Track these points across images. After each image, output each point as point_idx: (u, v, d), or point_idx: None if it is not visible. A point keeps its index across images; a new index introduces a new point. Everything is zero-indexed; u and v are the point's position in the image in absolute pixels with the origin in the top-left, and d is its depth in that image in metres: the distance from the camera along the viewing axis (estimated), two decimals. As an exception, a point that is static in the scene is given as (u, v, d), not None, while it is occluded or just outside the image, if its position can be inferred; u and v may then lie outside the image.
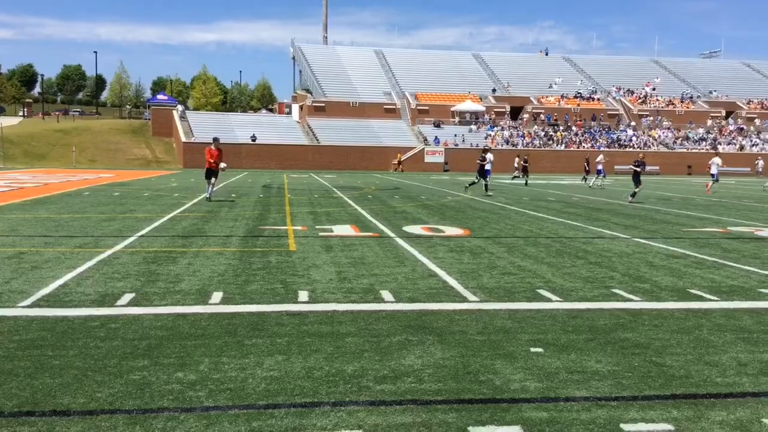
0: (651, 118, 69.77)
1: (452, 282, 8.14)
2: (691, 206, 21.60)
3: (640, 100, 73.15)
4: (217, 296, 7.13)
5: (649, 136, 66.49)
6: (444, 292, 7.60)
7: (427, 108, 66.72)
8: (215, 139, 21.26)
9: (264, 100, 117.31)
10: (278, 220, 14.96)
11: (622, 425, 3.97)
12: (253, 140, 57.74)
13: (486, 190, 26.25)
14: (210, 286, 7.67)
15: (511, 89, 73.34)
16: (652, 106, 72.20)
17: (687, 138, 66.49)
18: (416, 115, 65.96)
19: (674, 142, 65.53)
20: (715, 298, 7.54)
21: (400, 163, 56.68)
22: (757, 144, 65.95)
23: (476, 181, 27.17)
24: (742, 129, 69.27)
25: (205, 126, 60.24)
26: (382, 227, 13.88)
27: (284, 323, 6.10)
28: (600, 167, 33.98)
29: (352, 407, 4.17)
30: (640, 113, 70.42)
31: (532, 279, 8.48)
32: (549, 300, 7.30)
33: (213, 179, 20.09)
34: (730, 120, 71.72)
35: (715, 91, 77.29)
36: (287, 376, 4.71)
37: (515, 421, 3.99)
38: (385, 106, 66.72)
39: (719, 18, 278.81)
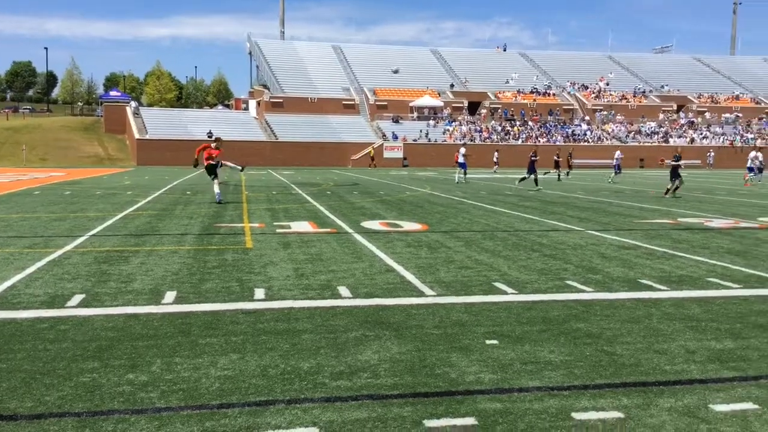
0: (605, 113, 71.01)
1: (409, 277, 8.17)
2: (641, 198, 22.07)
3: (594, 95, 74.39)
4: (170, 296, 7.03)
5: (603, 130, 67.69)
6: (401, 287, 7.62)
7: (385, 103, 66.77)
8: (217, 139, 19.58)
9: (220, 96, 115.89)
10: (235, 218, 14.80)
11: (573, 414, 4.03)
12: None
13: (460, 181, 26.98)
14: (163, 285, 7.55)
15: (469, 85, 73.88)
16: (605, 100, 73.49)
17: (639, 132, 67.88)
18: (375, 110, 65.97)
19: (627, 136, 66.83)
20: (665, 287, 7.72)
21: (373, 158, 56.70)
22: (707, 137, 67.69)
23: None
24: (692, 123, 71.01)
25: (159, 122, 59.25)
26: (340, 223, 13.85)
27: (239, 321, 6.04)
28: (616, 162, 34.23)
29: (308, 404, 4.15)
30: (594, 108, 71.61)
31: (488, 272, 8.56)
32: (504, 293, 7.38)
33: (215, 178, 18.72)
34: (681, 114, 73.46)
35: (666, 85, 79.03)
36: (242, 374, 4.66)
37: (470, 413, 4.03)
38: (343, 102, 66.55)
39: (672, 13, 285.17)
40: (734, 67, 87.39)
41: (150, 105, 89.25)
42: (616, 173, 34.30)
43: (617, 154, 34.84)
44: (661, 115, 72.37)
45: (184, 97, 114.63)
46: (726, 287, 7.77)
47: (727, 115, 73.01)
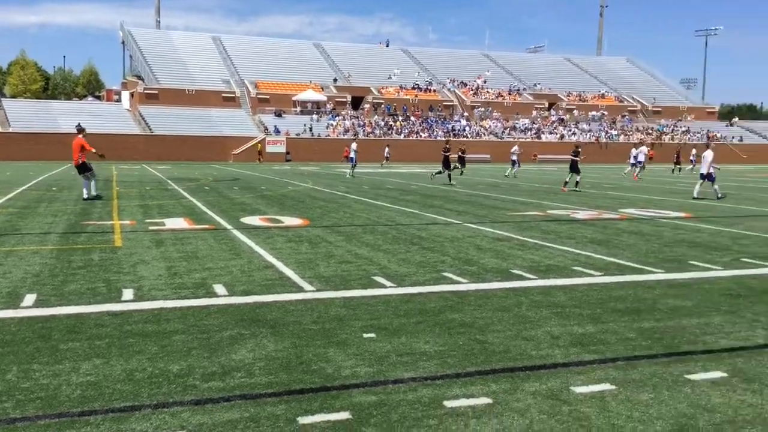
0: (482, 109, 73.49)
1: (289, 272, 8.08)
2: (516, 191, 23.02)
3: (472, 92, 76.78)
4: (30, 299, 6.57)
5: (481, 126, 70.02)
6: (280, 283, 7.52)
7: (267, 97, 65.77)
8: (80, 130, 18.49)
9: (90, 87, 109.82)
10: (104, 215, 14.08)
11: (445, 402, 4.13)
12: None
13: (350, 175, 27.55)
14: (22, 288, 7.05)
15: (352, 79, 74.16)
16: (483, 97, 76.04)
17: (514, 128, 70.76)
18: (256, 104, 64.83)
19: (503, 132, 69.49)
20: (534, 277, 8.07)
21: (261, 153, 55.57)
22: (576, 133, 71.55)
23: (442, 172, 27.84)
24: (562, 120, 74.84)
25: (23, 115, 55.36)
26: (218, 219, 13.51)
27: (105, 324, 5.74)
28: (515, 157, 34.56)
29: (176, 408, 4.00)
30: (472, 104, 73.91)
31: (368, 266, 8.61)
32: (383, 286, 7.45)
33: (89, 174, 17.54)
34: (552, 111, 77.24)
35: (539, 84, 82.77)
36: (105, 380, 4.43)
37: (345, 407, 4.03)
38: (223, 95, 64.92)
39: (544, 15, 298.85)
40: (600, 67, 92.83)
41: (13, 96, 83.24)
42: (513, 167, 34.89)
43: (515, 149, 35.57)
44: (534, 112, 75.76)
45: (51, 88, 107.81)
46: (589, 275, 8.23)
47: (594, 112, 77.51)
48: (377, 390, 4.33)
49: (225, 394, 4.22)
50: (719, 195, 20.59)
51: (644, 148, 36.04)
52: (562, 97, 79.88)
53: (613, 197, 21.12)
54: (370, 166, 47.05)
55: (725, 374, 4.66)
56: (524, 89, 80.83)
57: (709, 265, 8.93)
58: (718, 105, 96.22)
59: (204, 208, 15.70)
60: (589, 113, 77.16)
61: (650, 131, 74.03)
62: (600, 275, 8.22)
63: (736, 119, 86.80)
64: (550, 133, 70.42)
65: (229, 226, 12.38)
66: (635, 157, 35.24)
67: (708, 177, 20.60)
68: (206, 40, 77.33)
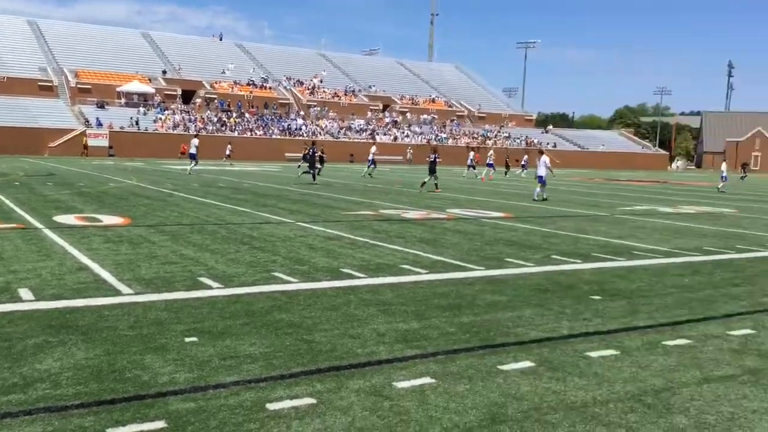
0: (318, 109, 73.82)
1: (105, 275, 7.58)
2: (349, 191, 23.35)
3: (308, 91, 76.89)
4: None
5: (317, 125, 70.30)
6: (95, 286, 7.04)
7: (89, 87, 61.64)
8: None
9: None
10: None
11: (267, 405, 4.05)
12: None
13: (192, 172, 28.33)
14: None
15: (183, 72, 71.45)
16: (319, 97, 76.41)
17: (350, 128, 71.79)
18: (76, 94, 60.53)
19: (339, 132, 70.25)
20: (364, 275, 8.20)
21: (86, 147, 51.63)
22: (409, 135, 73.97)
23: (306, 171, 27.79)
24: (396, 122, 77.07)
25: None
26: (28, 218, 12.41)
27: None
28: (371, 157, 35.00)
29: (-35, 427, 3.59)
30: (308, 103, 74.03)
31: (194, 267, 8.31)
32: (210, 287, 7.22)
33: None
34: (387, 113, 79.32)
35: (374, 86, 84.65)
36: None
37: (160, 416, 3.83)
38: (39, 83, 59.99)
39: (379, 19, 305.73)
40: (431, 72, 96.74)
41: None
42: (369, 166, 35.35)
43: (373, 149, 36.49)
44: (369, 114, 77.37)
45: None
46: (416, 273, 8.50)
47: (425, 116, 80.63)
48: (197, 396, 4.16)
49: (26, 408, 3.86)
50: (542, 197, 22.11)
51: (472, 153, 39.26)
52: (396, 100, 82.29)
53: (441, 197, 22.04)
54: (211, 163, 45.60)
55: (533, 364, 4.99)
56: (360, 90, 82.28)
57: (523, 262, 9.57)
58: (536, 113, 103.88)
59: (12, 206, 14.36)
60: (421, 116, 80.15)
61: (476, 136, 78.23)
62: (426, 273, 8.51)
63: (551, 127, 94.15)
64: (385, 134, 72.21)
65: (40, 225, 11.42)
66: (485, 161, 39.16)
67: (540, 180, 22.17)
68: (20, 23, 71.08)
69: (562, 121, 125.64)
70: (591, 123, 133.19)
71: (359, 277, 8.05)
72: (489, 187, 29.67)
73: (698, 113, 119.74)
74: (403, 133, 74.16)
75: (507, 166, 46.36)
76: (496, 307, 6.79)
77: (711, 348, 5.60)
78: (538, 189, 22.19)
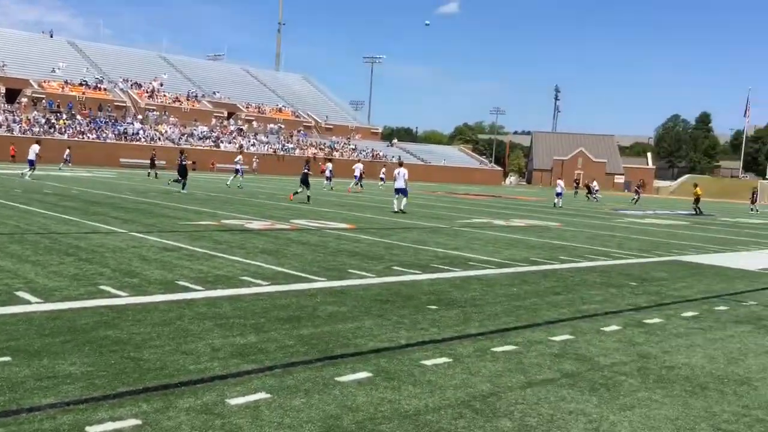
0: (158, 113, 70.82)
1: None
2: (189, 200, 22.54)
3: (147, 94, 73.56)
4: None
5: (156, 130, 67.40)
6: None
7: None
8: None
9: None
10: None
11: (87, 428, 3.76)
12: None
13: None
14: None
15: (7, 69, 65.76)
16: (159, 101, 73.34)
17: (192, 135, 69.50)
18: None
19: (180, 139, 67.78)
20: (201, 288, 7.91)
21: None
22: (255, 144, 72.89)
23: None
24: (241, 130, 75.68)
25: None
26: None
27: None
28: (239, 167, 34.26)
29: None
30: (147, 107, 70.82)
31: (11, 280, 7.61)
32: (28, 302, 6.63)
33: None
34: (232, 121, 77.69)
35: (218, 92, 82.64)
36: None
37: (-41, 448, 3.43)
38: None
39: (225, 24, 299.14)
40: (278, 81, 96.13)
41: None
42: (236, 175, 34.40)
43: (239, 158, 35.42)
44: (213, 120, 75.40)
45: None
46: (256, 284, 8.33)
47: (272, 125, 79.89)
48: (8, 421, 3.78)
49: None
50: (401, 209, 22.62)
51: (360, 165, 41.19)
52: (242, 108, 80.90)
53: (286, 208, 21.87)
54: (50, 168, 42.21)
55: (370, 374, 5.04)
56: (203, 96, 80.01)
57: (364, 273, 9.69)
58: (382, 127, 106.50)
59: None
60: (268, 125, 79.34)
61: (323, 147, 78.67)
62: (267, 285, 8.37)
63: (396, 141, 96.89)
64: (229, 142, 70.66)
65: None
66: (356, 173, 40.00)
67: (402, 191, 22.72)
68: None
69: (406, 135, 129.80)
70: (433, 138, 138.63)
71: (196, 290, 7.76)
72: (334, 198, 29.90)
73: (529, 133, 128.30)
74: (250, 141, 72.97)
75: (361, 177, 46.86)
76: (337, 318, 6.81)
77: (534, 353, 5.95)
78: (396, 201, 22.77)
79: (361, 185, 40.32)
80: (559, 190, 37.39)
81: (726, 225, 27.88)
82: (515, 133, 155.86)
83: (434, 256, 12.10)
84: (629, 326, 7.29)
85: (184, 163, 27.41)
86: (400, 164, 24.24)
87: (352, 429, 4.00)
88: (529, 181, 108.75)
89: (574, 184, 58.74)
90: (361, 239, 14.13)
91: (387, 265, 10.66)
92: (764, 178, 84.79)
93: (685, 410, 4.73)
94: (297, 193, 25.87)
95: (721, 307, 8.78)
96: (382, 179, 47.36)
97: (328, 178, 39.00)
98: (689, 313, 8.23)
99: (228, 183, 34.28)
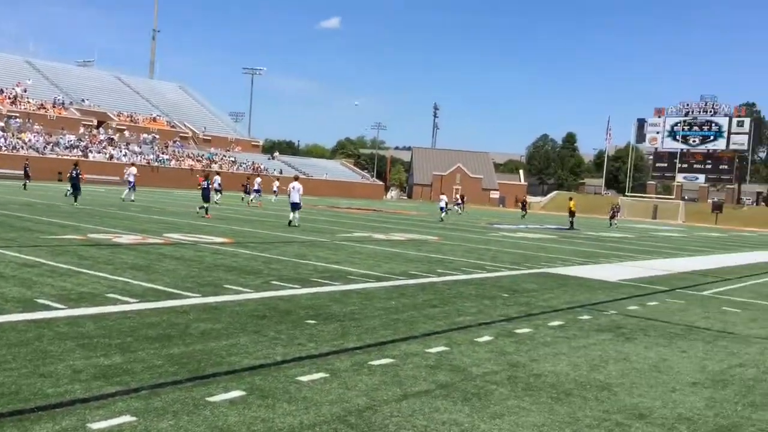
0: (21, 121, 66.35)
1: None
2: (54, 213, 21.23)
3: (9, 101, 68.80)
4: None
5: (19, 138, 63.09)
6: None
7: None
8: None
9: None
10: None
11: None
12: None
13: None
14: None
15: None
16: (22, 107, 68.78)
17: (58, 144, 65.63)
18: None
19: (45, 148, 63.82)
20: (63, 306, 7.43)
21: None
22: (127, 154, 69.80)
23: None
24: (112, 139, 72.25)
25: None
26: None
27: None
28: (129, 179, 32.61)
29: None
30: (9, 114, 66.19)
31: None
32: None
33: None
34: (102, 130, 74.02)
35: (87, 99, 78.59)
36: None
37: None
38: None
39: (94, 29, 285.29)
40: (152, 90, 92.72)
41: None
42: (129, 190, 32.55)
43: (132, 170, 33.34)
44: (82, 129, 71.55)
45: None
46: (124, 302, 7.92)
47: (146, 135, 76.82)
48: None
49: None
50: (297, 224, 22.51)
51: (258, 179, 41.97)
52: (113, 116, 77.36)
53: (158, 221, 21.05)
54: None
55: (244, 392, 4.90)
56: (71, 103, 75.84)
57: (241, 288, 9.47)
58: (263, 139, 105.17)
59: None
60: (141, 135, 76.24)
61: (200, 158, 76.57)
62: (136, 302, 7.98)
63: (277, 153, 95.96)
64: (99, 152, 67.29)
65: None
66: (255, 187, 40.28)
67: (296, 206, 22.60)
68: None
69: (288, 148, 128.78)
70: (316, 152, 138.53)
71: (57, 308, 7.27)
72: (216, 212, 29.12)
73: (409, 148, 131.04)
74: (121, 151, 69.81)
75: (246, 191, 45.54)
76: (210, 335, 6.59)
77: (410, 365, 6.02)
78: (292, 215, 22.52)
79: (251, 199, 39.73)
80: (442, 204, 38.41)
81: (590, 239, 29.64)
82: (396, 148, 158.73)
83: (314, 270, 12.03)
84: (501, 336, 7.55)
85: (76, 174, 26.96)
86: (296, 178, 24.26)
87: (223, 450, 3.86)
88: (410, 196, 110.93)
89: (458, 199, 60.43)
90: (240, 253, 13.82)
91: (265, 279, 10.48)
92: (624, 195, 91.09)
93: (551, 416, 4.93)
94: (204, 208, 24.87)
95: (585, 317, 9.29)
96: (275, 192, 46.72)
97: (217, 191, 38.05)
98: (556, 323, 8.65)
99: (122, 197, 32.77)
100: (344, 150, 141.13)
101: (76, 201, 26.34)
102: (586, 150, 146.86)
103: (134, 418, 4.24)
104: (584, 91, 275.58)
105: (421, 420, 4.62)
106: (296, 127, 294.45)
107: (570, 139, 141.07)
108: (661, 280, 14.54)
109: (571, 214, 39.04)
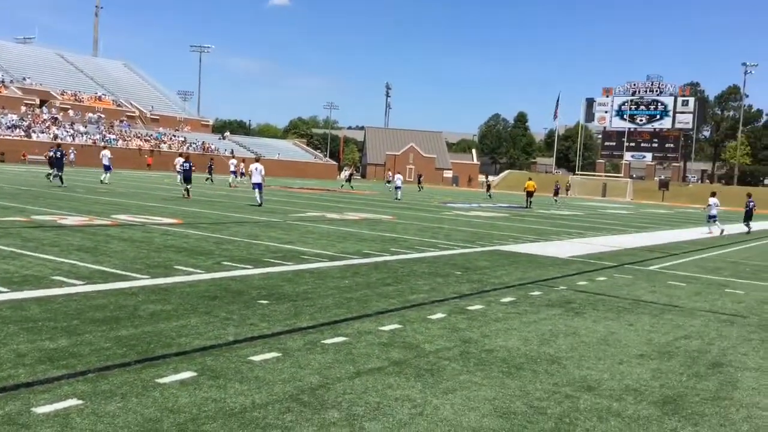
0: (-41, 99, 63.82)
1: None
2: (-2, 194, 20.53)
3: (-55, 78, 66.00)
4: None
5: (-43, 118, 60.72)
6: None
7: None
8: None
9: None
10: None
11: None
12: None
13: None
14: None
15: None
16: (-40, 85, 66.08)
17: (0, 124, 63.38)
18: None
19: (-14, 127, 61.56)
20: (5, 289, 7.20)
21: None
22: (73, 134, 67.86)
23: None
24: (56, 119, 70.11)
25: None
26: None
27: None
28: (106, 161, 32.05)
29: None
30: (-55, 92, 63.57)
31: None
32: None
33: None
34: (45, 109, 71.74)
35: (29, 78, 75.97)
36: None
37: None
38: None
39: (36, 4, 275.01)
40: (97, 68, 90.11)
41: None
42: (106, 172, 31.99)
43: (105, 152, 32.50)
44: (24, 108, 69.23)
45: None
46: (70, 284, 7.72)
47: (91, 114, 74.75)
48: None
49: None
50: (260, 201, 23.21)
51: (234, 161, 42.26)
52: (56, 95, 75.05)
53: (106, 203, 20.56)
54: None
55: (195, 373, 4.84)
56: (12, 82, 73.21)
57: (192, 269, 9.32)
58: (213, 119, 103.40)
59: None
60: (86, 114, 74.17)
61: (149, 138, 74.95)
62: (82, 284, 7.79)
63: (228, 133, 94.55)
64: (42, 132, 65.25)
65: None
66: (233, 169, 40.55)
67: (258, 186, 23.46)
68: None
69: (239, 128, 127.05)
70: (268, 131, 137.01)
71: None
72: (164, 193, 28.58)
73: (362, 128, 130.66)
74: (67, 131, 67.82)
75: (210, 172, 44.61)
76: (160, 317, 6.47)
77: (364, 344, 6.03)
78: (258, 196, 23.43)
79: (231, 181, 39.59)
80: (398, 183, 38.46)
81: (541, 216, 30.12)
82: (349, 128, 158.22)
83: (266, 250, 11.92)
84: (453, 313, 7.62)
85: (61, 156, 27.41)
86: (257, 160, 25.28)
87: (172, 431, 3.80)
88: (363, 175, 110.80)
89: (417, 178, 60.27)
90: (190, 234, 13.60)
91: (216, 260, 10.34)
92: (575, 174, 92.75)
93: (502, 390, 5.01)
94: (187, 189, 25.49)
95: (536, 293, 9.44)
96: (241, 173, 46.15)
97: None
98: (507, 299, 8.77)
99: (102, 179, 32.40)
100: (297, 130, 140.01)
101: (63, 183, 26.75)
102: (538, 129, 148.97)
103: (81, 401, 4.14)
104: (535, 72, 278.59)
105: (374, 397, 4.64)
106: (247, 107, 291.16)
107: (521, 118, 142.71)
108: (609, 256, 14.88)
109: (529, 194, 39.59)
